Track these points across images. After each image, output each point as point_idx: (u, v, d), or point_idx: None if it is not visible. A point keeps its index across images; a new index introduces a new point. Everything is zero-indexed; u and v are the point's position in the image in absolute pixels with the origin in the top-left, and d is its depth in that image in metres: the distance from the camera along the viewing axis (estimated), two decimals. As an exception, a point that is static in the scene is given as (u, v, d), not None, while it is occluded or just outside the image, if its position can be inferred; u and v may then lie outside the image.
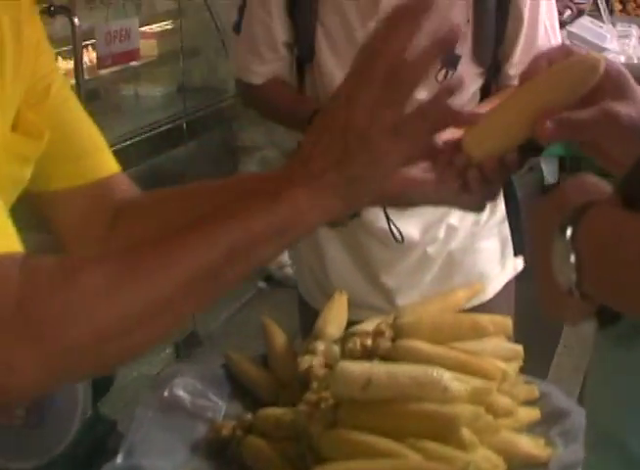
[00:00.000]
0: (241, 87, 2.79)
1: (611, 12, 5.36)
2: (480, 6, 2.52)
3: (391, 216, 2.64)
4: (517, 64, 2.63)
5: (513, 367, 1.99)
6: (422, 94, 2.38)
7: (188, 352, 4.51)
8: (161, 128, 4.79)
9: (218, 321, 4.74)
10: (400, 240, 2.63)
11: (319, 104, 2.53)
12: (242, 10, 2.73)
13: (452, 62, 2.51)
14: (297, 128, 2.65)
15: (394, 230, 2.61)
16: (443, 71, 2.50)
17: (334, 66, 2.59)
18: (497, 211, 2.81)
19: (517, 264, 2.83)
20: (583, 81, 1.26)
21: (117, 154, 4.29)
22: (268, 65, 2.69)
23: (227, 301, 4.81)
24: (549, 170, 4.45)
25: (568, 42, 4.73)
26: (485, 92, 2.68)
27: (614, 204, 1.13)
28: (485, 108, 2.55)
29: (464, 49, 2.53)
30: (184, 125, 4.86)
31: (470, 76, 2.60)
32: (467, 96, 2.61)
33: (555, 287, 1.14)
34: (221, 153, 5.44)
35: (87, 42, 4.26)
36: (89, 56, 4.38)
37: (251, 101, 2.88)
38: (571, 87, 1.28)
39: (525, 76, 1.34)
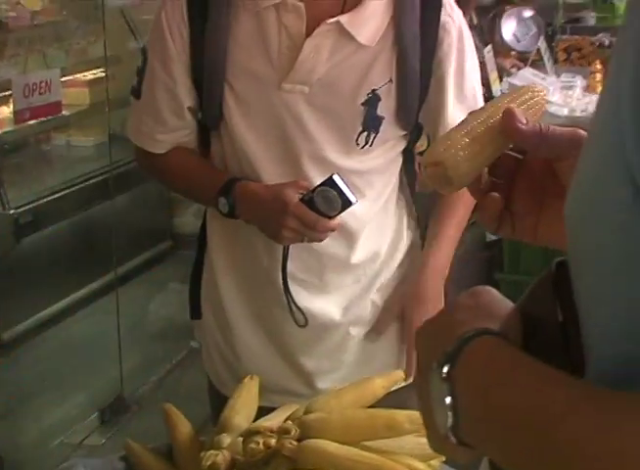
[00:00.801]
0: (141, 156, 2.67)
1: (555, 62, 5.46)
2: (403, 65, 2.46)
3: (311, 293, 2.56)
4: (448, 127, 2.53)
5: (433, 467, 1.96)
6: (344, 161, 2.47)
7: (114, 419, 4.38)
8: (94, 179, 4.68)
9: (147, 384, 4.60)
10: (303, 323, 2.54)
11: (230, 173, 2.48)
12: (141, 73, 2.58)
13: (375, 124, 2.46)
14: (204, 200, 2.60)
15: (295, 312, 2.51)
16: (365, 134, 2.45)
17: (246, 131, 2.50)
18: None
19: None
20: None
21: (49, 205, 4.14)
22: (172, 132, 2.59)
23: (156, 361, 4.74)
24: None
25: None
26: (408, 155, 2.62)
27: (504, 334, 1.07)
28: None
29: (387, 110, 2.45)
30: (117, 176, 4.70)
31: (390, 139, 2.53)
32: (388, 159, 2.55)
33: (434, 426, 1.09)
34: (156, 204, 5.38)
35: (6, 92, 4.25)
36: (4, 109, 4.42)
37: (153, 171, 2.76)
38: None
39: None
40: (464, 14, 2.64)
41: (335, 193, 2.35)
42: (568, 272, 1.07)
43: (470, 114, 1.31)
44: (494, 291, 1.19)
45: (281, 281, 2.50)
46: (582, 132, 1.27)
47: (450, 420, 1.04)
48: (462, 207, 2.67)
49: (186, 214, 5.47)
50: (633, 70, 0.91)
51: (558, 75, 4.98)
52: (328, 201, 2.38)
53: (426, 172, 1.29)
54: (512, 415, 1.00)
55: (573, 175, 1.09)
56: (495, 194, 1.29)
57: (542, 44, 5.44)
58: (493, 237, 4.49)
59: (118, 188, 4.74)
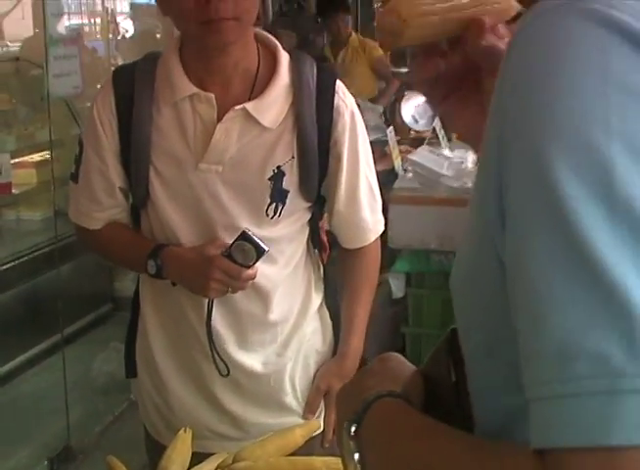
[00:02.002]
0: (80, 232, 2.71)
1: (449, 139, 5.50)
2: (302, 145, 2.52)
3: (235, 348, 2.59)
4: (343, 202, 2.63)
5: None
6: (256, 231, 2.49)
7: (62, 467, 4.33)
8: (41, 250, 4.77)
9: (92, 434, 4.55)
10: (225, 373, 2.56)
11: (155, 244, 2.51)
12: (78, 160, 2.64)
13: (281, 197, 2.52)
14: (136, 266, 2.61)
15: (219, 363, 2.54)
16: (273, 206, 2.50)
17: (170, 208, 2.52)
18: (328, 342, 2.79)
19: None
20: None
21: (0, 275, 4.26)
22: (107, 210, 2.63)
23: (100, 414, 4.69)
24: (396, 285, 4.53)
25: (410, 169, 4.93)
26: (313, 226, 2.66)
27: (405, 396, 1.14)
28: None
29: (291, 184, 2.52)
30: (62, 247, 4.71)
31: (296, 211, 2.59)
32: (296, 228, 2.60)
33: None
34: (98, 271, 5.38)
35: None
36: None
37: (91, 244, 2.79)
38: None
39: None
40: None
41: (249, 245, 2.40)
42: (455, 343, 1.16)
43: None
44: (400, 357, 1.28)
45: (206, 335, 2.52)
46: None
47: (352, 453, 1.13)
48: (368, 291, 2.73)
49: (125, 279, 5.44)
50: (496, 164, 0.98)
51: (452, 151, 5.08)
52: (244, 253, 2.42)
53: (381, 16, 1.29)
54: (406, 466, 1.07)
55: (457, 253, 1.22)
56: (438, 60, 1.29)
57: (437, 124, 5.48)
58: (399, 295, 4.54)
59: (63, 258, 4.75)
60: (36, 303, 4.82)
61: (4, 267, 4.48)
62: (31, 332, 4.72)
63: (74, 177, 2.64)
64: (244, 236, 2.40)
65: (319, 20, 8.61)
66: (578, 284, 0.83)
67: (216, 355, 2.56)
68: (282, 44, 2.67)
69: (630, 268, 0.81)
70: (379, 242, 2.76)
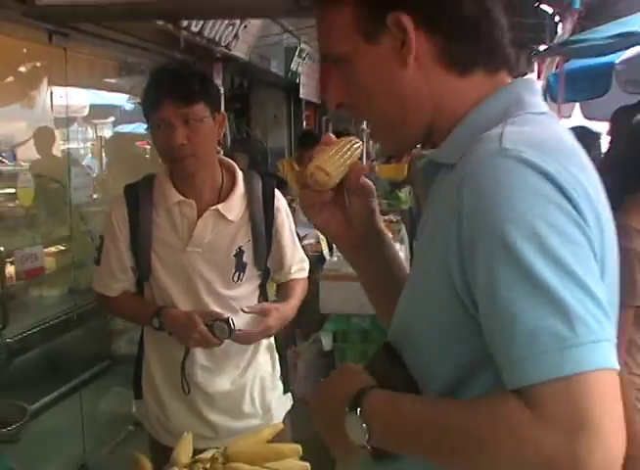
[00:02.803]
0: (102, 299, 2.91)
1: None
2: (255, 231, 2.78)
3: (211, 374, 2.80)
4: (290, 266, 2.94)
5: None
6: (226, 291, 2.73)
7: None
8: (57, 319, 4.79)
9: (102, 455, 4.66)
10: (187, 392, 2.78)
11: (157, 306, 2.75)
12: (100, 249, 2.88)
13: (242, 267, 2.78)
14: (143, 322, 2.84)
15: (185, 385, 2.77)
16: (237, 274, 2.76)
17: (166, 279, 2.77)
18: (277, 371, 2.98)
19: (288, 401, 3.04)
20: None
21: (28, 339, 4.34)
22: (121, 283, 2.85)
23: (108, 439, 4.80)
24: (326, 341, 4.70)
25: (336, 253, 4.90)
26: (262, 288, 2.90)
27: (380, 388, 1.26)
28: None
29: (248, 259, 2.78)
30: (74, 317, 4.87)
31: (252, 277, 2.83)
32: (252, 289, 2.85)
33: (345, 441, 1.26)
34: (100, 334, 5.45)
35: (9, 259, 4.30)
36: (10, 270, 4.37)
37: (109, 308, 2.98)
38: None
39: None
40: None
41: (227, 328, 2.62)
42: (391, 348, 1.34)
43: (336, 143, 1.50)
44: (350, 363, 1.39)
45: (180, 368, 2.76)
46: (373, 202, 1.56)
47: (367, 437, 1.23)
48: (300, 295, 2.92)
49: (120, 341, 5.55)
50: (455, 246, 1.15)
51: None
52: (222, 330, 2.63)
53: (311, 173, 1.47)
54: (417, 434, 1.19)
55: (406, 285, 1.37)
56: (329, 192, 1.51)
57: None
58: (328, 348, 4.66)
59: (75, 325, 4.88)
60: (56, 357, 4.86)
61: (31, 331, 4.50)
62: (53, 379, 4.76)
63: (97, 261, 2.89)
64: (227, 321, 2.63)
65: (264, 144, 8.92)
66: (536, 298, 1.05)
67: (184, 380, 2.76)
68: (238, 163, 2.96)
69: (563, 284, 1.04)
70: (305, 281, 3.01)
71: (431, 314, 1.23)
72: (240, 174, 2.84)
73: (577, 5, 5.70)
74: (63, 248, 5.23)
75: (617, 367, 1.05)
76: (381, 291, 1.58)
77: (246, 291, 2.84)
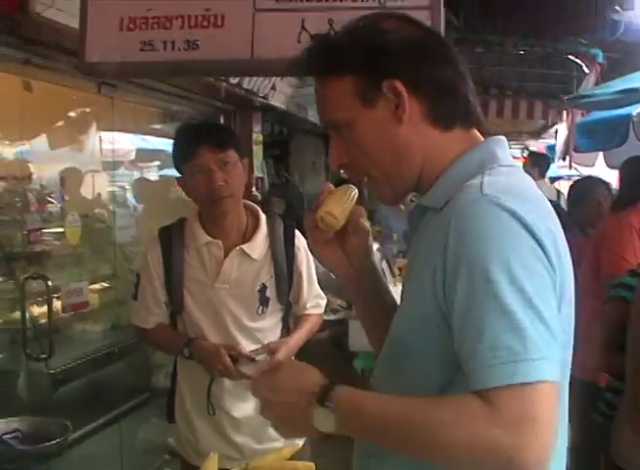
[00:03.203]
0: (139, 331, 3.11)
1: (393, 274, 5.83)
2: (277, 269, 2.98)
3: (237, 398, 2.92)
4: (306, 302, 3.10)
5: None
6: (251, 324, 2.92)
7: None
8: (99, 353, 4.93)
9: None
10: (212, 414, 2.92)
11: (188, 337, 2.92)
12: (137, 286, 3.12)
13: (265, 302, 2.96)
14: (175, 351, 3.02)
15: (209, 407, 2.92)
16: (261, 308, 2.95)
17: (196, 313, 2.97)
18: None
19: None
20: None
21: (72, 370, 4.55)
22: (156, 316, 3.05)
23: (145, 467, 4.94)
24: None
25: None
26: (285, 320, 3.07)
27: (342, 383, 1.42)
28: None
29: (271, 293, 2.97)
30: (116, 351, 5.00)
31: (275, 310, 3.01)
32: (275, 322, 3.02)
33: (314, 429, 1.41)
34: (141, 368, 5.51)
35: (56, 295, 4.45)
36: (56, 304, 4.47)
37: (145, 339, 3.19)
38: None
39: None
40: None
41: (251, 365, 2.76)
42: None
43: (338, 191, 1.71)
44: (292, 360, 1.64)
45: (206, 393, 2.91)
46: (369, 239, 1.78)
47: (334, 425, 1.39)
48: (309, 329, 3.09)
49: (160, 375, 5.39)
50: (440, 276, 1.37)
51: (395, 284, 5.38)
52: (246, 365, 2.79)
53: (321, 217, 1.68)
54: (377, 421, 1.35)
55: (399, 307, 1.57)
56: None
57: (385, 265, 5.86)
58: None
59: (117, 358, 5.01)
60: (98, 389, 4.91)
61: (75, 363, 4.62)
62: (94, 409, 4.83)
63: (134, 296, 3.12)
64: (252, 359, 2.78)
65: (300, 189, 9.13)
66: (501, 320, 1.27)
67: (210, 404, 2.91)
68: (274, 207, 3.24)
69: (523, 310, 1.27)
70: (319, 316, 3.17)
71: (421, 330, 1.45)
72: (263, 217, 3.04)
73: (600, 59, 5.92)
74: (106, 285, 5.38)
75: (557, 380, 1.28)
76: (373, 315, 1.80)
77: (269, 323, 3.01)
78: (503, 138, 1.62)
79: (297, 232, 3.07)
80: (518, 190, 1.43)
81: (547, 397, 1.26)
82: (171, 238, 3.00)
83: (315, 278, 3.17)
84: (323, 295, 3.23)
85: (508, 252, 1.31)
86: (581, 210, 5.01)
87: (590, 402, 3.92)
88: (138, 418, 5.30)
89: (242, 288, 2.94)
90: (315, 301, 3.16)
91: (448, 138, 1.56)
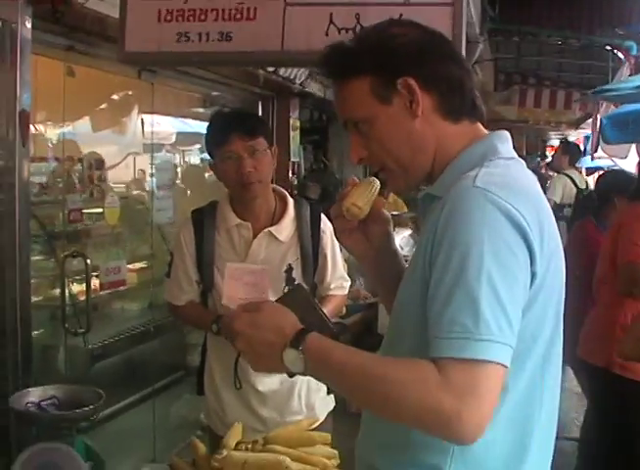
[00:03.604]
0: (171, 307, 3.23)
1: None
2: (303, 251, 3.09)
3: (262, 374, 2.93)
4: (330, 283, 3.18)
5: (332, 462, 2.56)
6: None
7: None
8: (136, 330, 5.10)
9: (174, 451, 4.43)
10: (239, 387, 2.98)
11: (217, 314, 3.01)
12: (170, 265, 3.24)
13: (291, 282, 3.05)
14: (204, 327, 3.11)
15: (236, 381, 2.96)
16: (287, 288, 3.01)
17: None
18: None
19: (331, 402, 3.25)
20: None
21: (109, 346, 4.73)
22: (187, 294, 3.15)
23: (176, 442, 4.88)
24: None
25: None
26: None
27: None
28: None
29: (297, 274, 3.07)
30: (152, 329, 5.15)
31: None
32: None
33: (272, 364, 1.57)
34: (176, 346, 5.65)
35: (95, 273, 4.59)
36: (95, 282, 4.61)
37: (177, 315, 3.29)
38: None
39: None
40: None
41: None
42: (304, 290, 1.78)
43: (361, 184, 1.81)
44: (274, 302, 1.70)
45: (233, 368, 2.92)
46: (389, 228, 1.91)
47: (302, 367, 1.52)
48: (336, 305, 3.19)
49: (195, 354, 5.09)
50: (432, 241, 1.52)
51: None
52: None
53: (347, 208, 1.80)
54: (340, 369, 1.50)
55: (401, 283, 1.68)
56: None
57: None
58: None
59: (153, 336, 5.17)
60: (134, 366, 5.10)
61: (112, 340, 4.79)
62: (130, 385, 5.00)
63: (168, 274, 3.24)
64: None
65: (337, 176, 9.17)
66: (463, 298, 1.41)
67: (237, 378, 2.94)
68: (310, 192, 3.34)
69: (485, 296, 1.41)
70: (343, 297, 3.26)
71: (413, 296, 1.59)
72: (291, 201, 3.16)
73: (634, 51, 5.93)
74: (144, 265, 5.53)
75: (505, 364, 1.41)
76: (390, 292, 1.89)
77: None
78: (506, 132, 1.75)
79: (323, 216, 3.18)
80: (510, 183, 1.55)
81: (492, 376, 1.40)
82: (203, 220, 3.12)
83: (340, 261, 3.26)
84: (347, 277, 3.31)
85: (484, 240, 1.44)
86: (607, 206, 5.03)
87: (610, 391, 4.01)
88: (172, 395, 5.40)
89: (269, 267, 3.03)
90: (339, 281, 3.25)
91: (457, 130, 1.70)
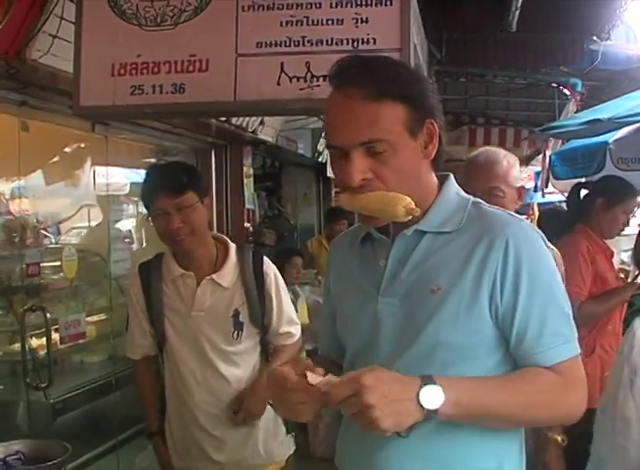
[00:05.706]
0: (131, 361, 3.32)
1: None
2: (248, 294, 3.13)
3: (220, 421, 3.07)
4: (277, 327, 3.23)
5: None
6: (228, 348, 3.06)
7: None
8: (97, 383, 5.04)
9: None
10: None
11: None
12: (127, 319, 3.34)
13: (240, 326, 3.12)
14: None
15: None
16: (236, 332, 3.10)
17: (179, 343, 3.14)
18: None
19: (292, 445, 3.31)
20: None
21: (71, 400, 4.63)
22: (141, 348, 3.25)
23: None
24: None
25: None
26: (263, 343, 3.21)
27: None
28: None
29: (245, 318, 3.12)
30: (113, 381, 5.10)
31: (251, 334, 3.15)
32: (252, 345, 3.17)
33: (419, 410, 1.60)
34: (137, 399, 4.92)
35: (55, 326, 4.57)
36: (55, 336, 4.54)
37: (135, 370, 3.35)
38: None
39: None
40: None
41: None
42: None
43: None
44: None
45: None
46: None
47: (442, 398, 1.59)
48: (287, 355, 3.19)
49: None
50: (501, 276, 1.80)
51: None
52: None
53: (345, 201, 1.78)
54: (476, 391, 1.70)
55: (442, 314, 1.78)
56: None
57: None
58: None
59: (114, 389, 5.11)
60: (97, 418, 5.01)
61: (73, 393, 4.72)
62: (93, 438, 4.92)
63: (127, 328, 3.29)
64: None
65: (291, 221, 9.19)
66: (557, 313, 1.79)
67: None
68: (265, 239, 3.41)
69: (567, 307, 1.84)
70: (293, 346, 3.27)
71: (479, 324, 1.77)
72: (232, 247, 3.21)
73: (580, 88, 6.12)
74: (103, 317, 5.49)
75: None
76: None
77: (246, 347, 3.17)
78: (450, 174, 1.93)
79: (265, 259, 3.23)
80: None
81: (581, 362, 1.81)
82: (150, 272, 3.19)
83: (287, 303, 3.31)
84: (297, 320, 3.36)
85: (552, 264, 1.82)
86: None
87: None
88: (136, 447, 5.18)
89: (216, 314, 3.09)
90: (287, 328, 3.29)
91: (433, 176, 1.89)
